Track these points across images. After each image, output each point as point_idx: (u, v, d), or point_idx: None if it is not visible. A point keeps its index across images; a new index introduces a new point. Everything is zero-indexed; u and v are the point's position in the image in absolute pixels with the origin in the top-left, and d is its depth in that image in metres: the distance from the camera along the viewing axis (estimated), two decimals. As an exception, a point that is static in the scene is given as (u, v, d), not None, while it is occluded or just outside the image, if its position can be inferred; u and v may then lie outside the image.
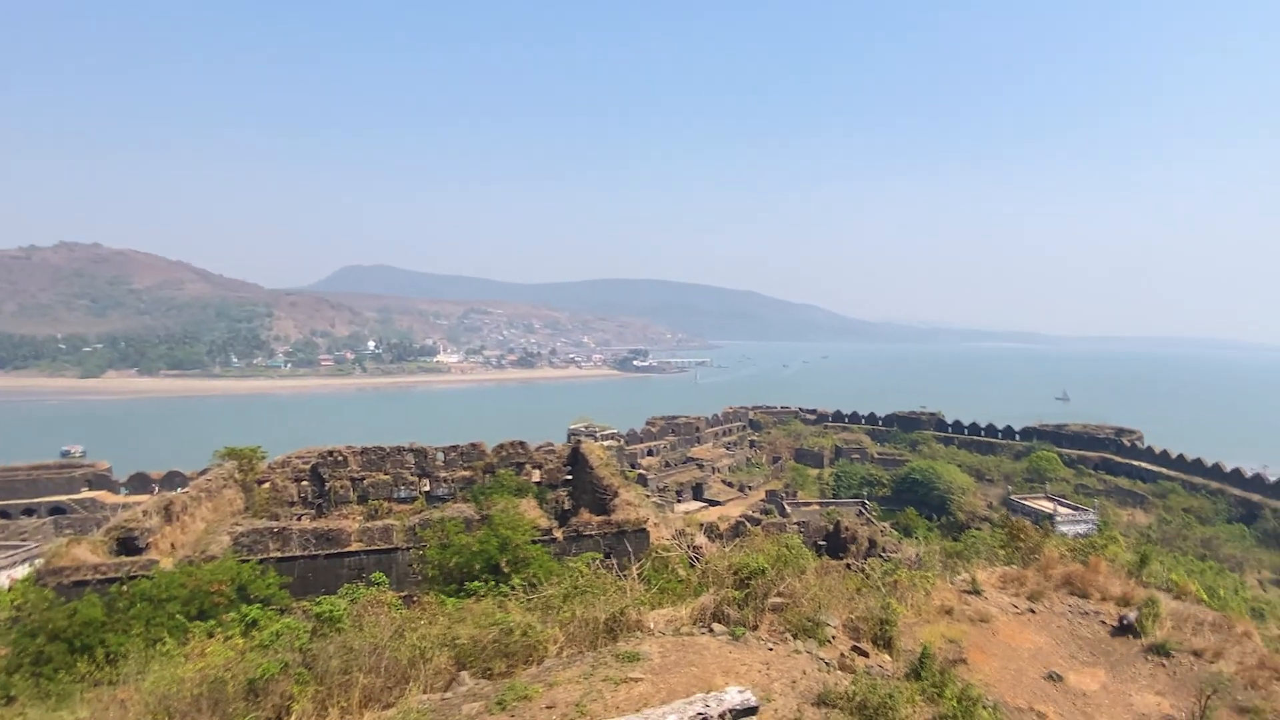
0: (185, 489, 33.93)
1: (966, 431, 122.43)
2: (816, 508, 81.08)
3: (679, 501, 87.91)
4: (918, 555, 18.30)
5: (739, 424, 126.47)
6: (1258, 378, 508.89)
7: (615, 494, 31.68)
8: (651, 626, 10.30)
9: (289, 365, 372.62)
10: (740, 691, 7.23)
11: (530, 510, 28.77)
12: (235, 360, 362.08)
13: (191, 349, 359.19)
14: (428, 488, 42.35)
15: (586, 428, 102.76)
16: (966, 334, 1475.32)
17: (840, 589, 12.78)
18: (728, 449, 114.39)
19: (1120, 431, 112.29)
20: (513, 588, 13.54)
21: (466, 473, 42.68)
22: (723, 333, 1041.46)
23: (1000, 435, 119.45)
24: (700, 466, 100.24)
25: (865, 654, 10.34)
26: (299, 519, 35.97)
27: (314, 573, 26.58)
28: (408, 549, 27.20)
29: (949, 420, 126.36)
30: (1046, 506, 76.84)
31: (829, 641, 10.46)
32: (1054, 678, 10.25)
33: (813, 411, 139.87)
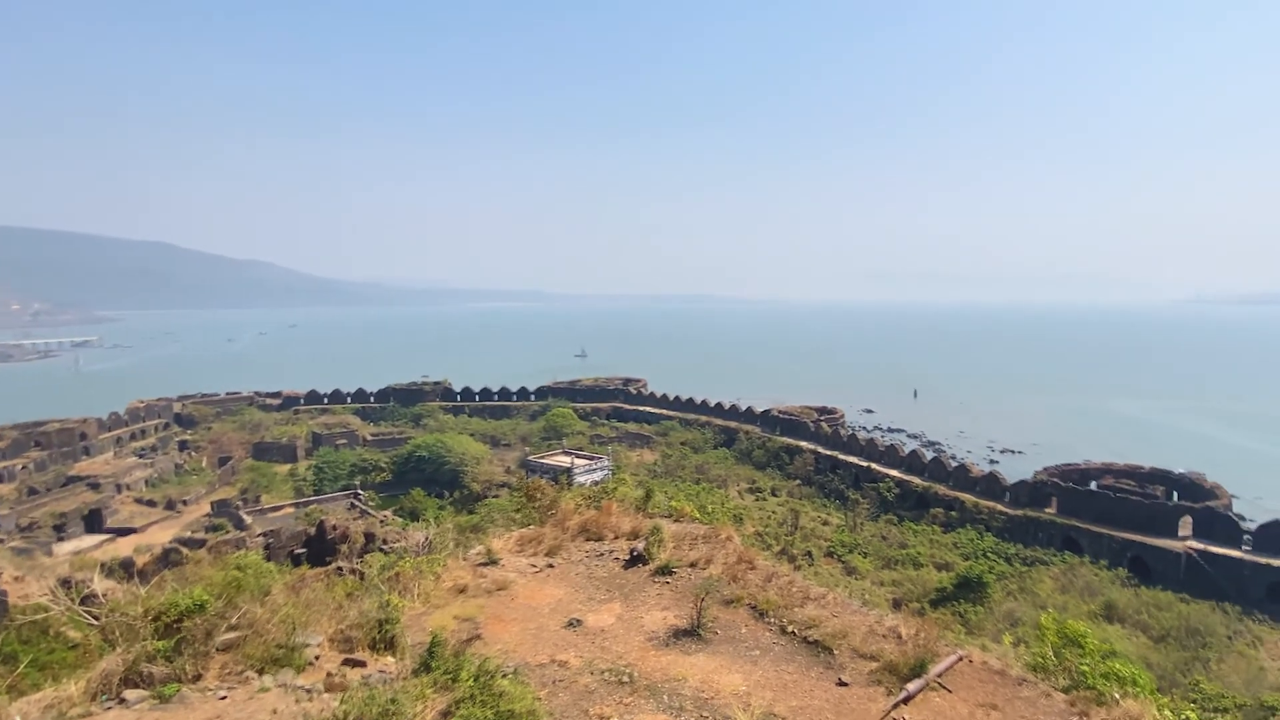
0: None
1: (478, 398, 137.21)
2: (290, 510, 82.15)
3: (62, 540, 80.00)
4: (427, 539, 19.49)
5: (159, 422, 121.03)
6: (730, 325, 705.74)
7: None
8: (15, 724, 8.41)
9: None
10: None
11: None
12: None
13: None
14: None
15: None
16: (473, 294, 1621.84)
17: (325, 600, 13.18)
18: (141, 456, 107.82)
19: (628, 381, 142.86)
20: None
21: None
22: (120, 300, 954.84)
23: (515, 398, 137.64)
24: (95, 487, 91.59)
25: (362, 664, 10.49)
26: None
27: None
28: None
29: (458, 388, 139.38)
30: (564, 461, 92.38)
31: (311, 664, 10.31)
32: (574, 623, 12.30)
33: (276, 395, 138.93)
